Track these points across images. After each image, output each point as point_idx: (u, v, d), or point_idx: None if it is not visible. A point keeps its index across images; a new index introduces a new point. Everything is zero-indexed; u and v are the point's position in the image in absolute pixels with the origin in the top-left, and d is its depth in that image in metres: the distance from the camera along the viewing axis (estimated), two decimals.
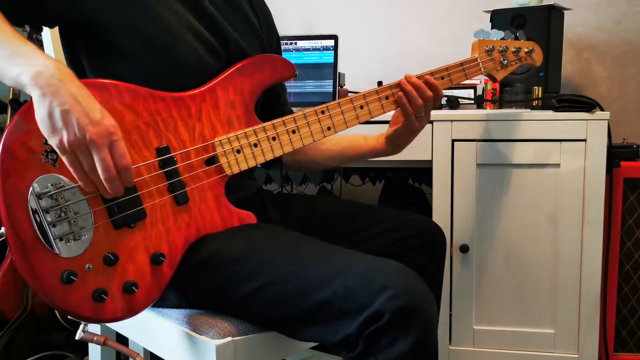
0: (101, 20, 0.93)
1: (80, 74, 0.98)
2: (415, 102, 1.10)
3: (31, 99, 0.77)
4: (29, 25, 0.94)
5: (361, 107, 1.11)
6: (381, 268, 0.84)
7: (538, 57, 1.37)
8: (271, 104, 1.20)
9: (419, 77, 1.13)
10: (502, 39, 1.30)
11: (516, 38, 1.33)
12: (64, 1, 0.91)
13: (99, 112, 0.78)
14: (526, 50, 1.33)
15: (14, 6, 0.87)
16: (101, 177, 0.78)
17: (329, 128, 1.08)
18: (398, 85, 1.12)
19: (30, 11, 0.90)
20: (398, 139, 1.18)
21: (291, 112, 1.23)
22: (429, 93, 1.11)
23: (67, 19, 0.94)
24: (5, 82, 0.81)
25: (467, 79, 1.24)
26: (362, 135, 1.24)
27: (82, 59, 0.99)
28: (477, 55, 1.26)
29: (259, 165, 1.05)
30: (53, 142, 0.77)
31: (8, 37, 0.81)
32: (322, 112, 1.07)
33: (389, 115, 1.18)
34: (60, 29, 1.00)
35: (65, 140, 0.76)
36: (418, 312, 0.79)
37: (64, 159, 0.77)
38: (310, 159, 1.26)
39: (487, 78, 1.35)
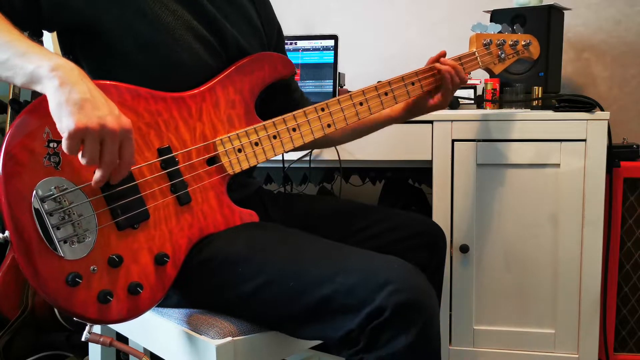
0: (96, 22, 0.93)
1: None
2: (455, 79, 1.20)
3: (33, 98, 0.76)
4: (29, 30, 0.93)
5: (360, 104, 1.12)
6: (382, 264, 0.84)
7: (535, 50, 1.37)
8: (284, 94, 1.21)
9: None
10: (500, 32, 1.31)
11: (513, 31, 1.33)
12: (59, 3, 0.90)
13: (116, 109, 0.79)
14: (523, 43, 1.33)
15: (11, 11, 0.86)
16: (102, 167, 0.77)
17: (329, 125, 1.08)
18: (431, 68, 1.20)
19: (27, 15, 0.90)
20: (421, 111, 1.25)
21: (305, 99, 1.25)
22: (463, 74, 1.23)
23: (63, 21, 0.93)
24: (17, 80, 0.79)
25: (465, 73, 1.24)
26: None
27: (80, 61, 0.98)
28: (474, 49, 1.27)
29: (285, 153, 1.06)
30: (65, 123, 0.74)
31: (19, 38, 0.81)
32: (322, 110, 1.08)
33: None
34: (57, 32, 0.99)
35: (80, 123, 0.73)
36: (419, 307, 0.80)
37: (66, 143, 0.74)
38: (327, 138, 1.27)
39: (487, 77, 1.35)
